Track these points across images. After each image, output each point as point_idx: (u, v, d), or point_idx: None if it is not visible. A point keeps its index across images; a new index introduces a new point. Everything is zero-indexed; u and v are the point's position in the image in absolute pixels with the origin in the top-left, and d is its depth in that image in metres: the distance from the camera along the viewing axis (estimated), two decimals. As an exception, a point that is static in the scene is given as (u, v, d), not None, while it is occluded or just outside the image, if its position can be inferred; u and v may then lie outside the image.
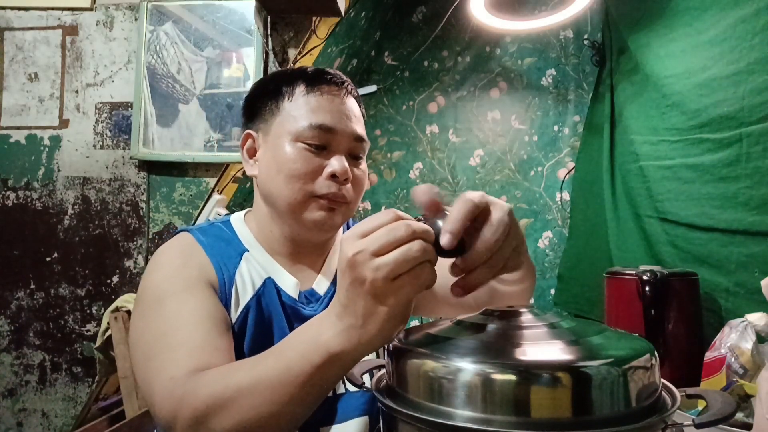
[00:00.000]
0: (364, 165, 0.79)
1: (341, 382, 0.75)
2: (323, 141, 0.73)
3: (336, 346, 0.46)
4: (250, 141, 0.79)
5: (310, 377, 0.48)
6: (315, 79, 0.76)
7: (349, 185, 0.75)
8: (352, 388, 0.75)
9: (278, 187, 0.73)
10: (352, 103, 0.78)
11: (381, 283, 0.43)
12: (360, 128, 0.77)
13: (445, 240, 0.45)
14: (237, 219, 0.82)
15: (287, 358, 0.49)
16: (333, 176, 0.72)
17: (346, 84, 0.78)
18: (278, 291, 0.75)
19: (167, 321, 0.63)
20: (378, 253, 0.43)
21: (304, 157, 0.72)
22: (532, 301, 2.35)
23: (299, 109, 0.74)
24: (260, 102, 0.78)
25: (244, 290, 0.72)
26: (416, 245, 0.44)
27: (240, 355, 0.68)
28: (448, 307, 0.88)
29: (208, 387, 0.52)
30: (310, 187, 0.72)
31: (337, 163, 0.72)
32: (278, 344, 0.53)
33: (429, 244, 0.45)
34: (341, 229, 0.87)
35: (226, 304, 0.70)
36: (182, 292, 0.66)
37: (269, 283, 0.75)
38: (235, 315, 0.71)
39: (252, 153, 0.79)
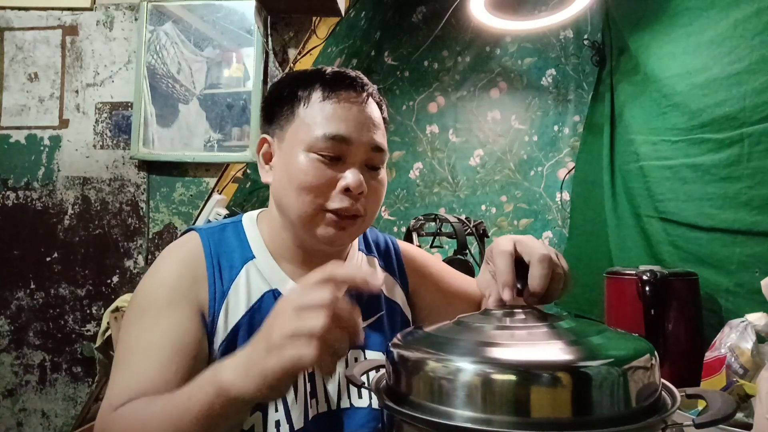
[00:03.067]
0: (382, 174, 0.75)
1: (347, 396, 0.73)
2: (338, 152, 0.69)
3: (227, 378, 0.49)
4: (266, 146, 0.76)
5: (207, 413, 0.50)
6: (333, 84, 0.71)
7: (364, 199, 0.71)
8: (356, 402, 0.73)
9: (289, 198, 0.70)
10: (372, 110, 0.73)
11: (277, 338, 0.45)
12: (379, 137, 0.73)
13: (506, 295, 0.55)
14: (249, 221, 0.79)
15: (186, 398, 0.52)
16: (347, 190, 0.69)
17: (366, 88, 0.73)
18: None
19: (137, 337, 0.65)
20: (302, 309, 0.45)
21: (316, 168, 0.68)
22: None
23: (314, 117, 0.70)
24: (277, 106, 0.74)
25: (237, 308, 0.70)
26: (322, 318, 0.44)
27: None
28: None
29: (122, 426, 0.58)
30: (322, 201, 0.69)
31: (351, 177, 0.69)
32: (186, 387, 0.54)
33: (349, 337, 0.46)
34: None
35: (213, 321, 0.68)
36: (163, 309, 0.66)
37: (267, 297, 0.72)
38: (223, 335, 0.68)
39: (268, 158, 0.76)
